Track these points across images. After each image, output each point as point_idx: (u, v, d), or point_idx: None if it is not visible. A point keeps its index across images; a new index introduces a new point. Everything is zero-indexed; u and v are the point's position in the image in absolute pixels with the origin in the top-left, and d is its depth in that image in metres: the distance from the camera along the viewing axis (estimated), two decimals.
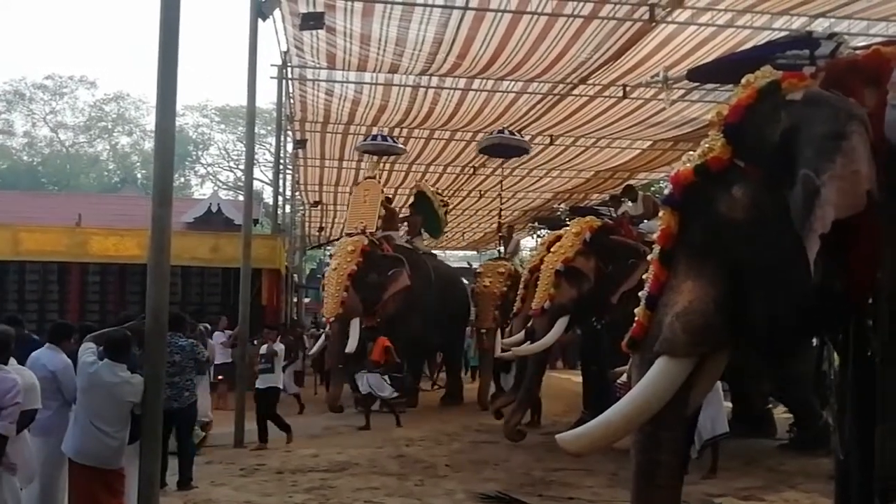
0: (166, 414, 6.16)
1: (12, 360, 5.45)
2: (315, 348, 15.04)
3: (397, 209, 17.77)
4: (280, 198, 21.20)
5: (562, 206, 23.47)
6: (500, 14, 11.14)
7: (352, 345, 12.83)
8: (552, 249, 11.13)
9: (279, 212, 21.39)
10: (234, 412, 11.03)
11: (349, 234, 14.30)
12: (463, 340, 17.55)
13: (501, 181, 18.96)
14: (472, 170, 20.23)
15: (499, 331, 14.65)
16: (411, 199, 17.86)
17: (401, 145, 16.41)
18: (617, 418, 4.50)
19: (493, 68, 13.04)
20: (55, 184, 41.63)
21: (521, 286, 12.13)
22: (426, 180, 18.80)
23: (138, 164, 46.52)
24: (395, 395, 12.83)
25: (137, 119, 47.05)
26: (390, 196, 18.03)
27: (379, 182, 16.75)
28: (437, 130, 17.27)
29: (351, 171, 20.69)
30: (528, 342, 10.98)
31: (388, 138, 15.87)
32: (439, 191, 18.25)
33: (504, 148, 15.39)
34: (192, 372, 8.39)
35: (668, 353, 4.41)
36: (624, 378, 5.96)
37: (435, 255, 17.67)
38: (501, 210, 19.72)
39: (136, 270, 16.39)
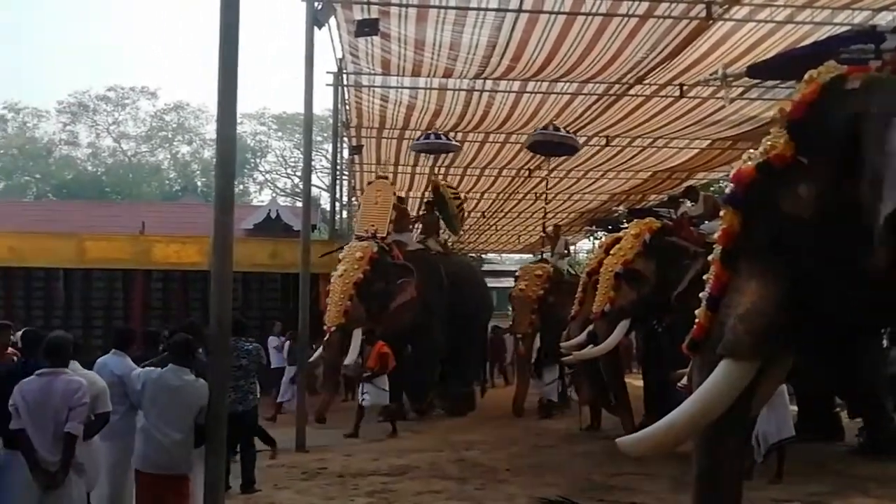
0: (231, 417, 6.25)
1: (76, 365, 5.59)
2: (314, 357, 12.38)
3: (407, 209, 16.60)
4: (337, 203, 21.38)
5: (619, 207, 23.25)
6: (554, 15, 11.08)
7: (352, 356, 11.95)
8: (611, 252, 11.07)
9: (336, 217, 21.57)
10: (296, 416, 11.14)
11: (359, 238, 13.71)
12: (478, 343, 16.29)
13: (546, 179, 18.53)
14: (527, 172, 20.14)
15: (537, 336, 14.27)
16: (428, 197, 17.03)
17: (455, 142, 16.22)
18: (679, 422, 4.44)
19: (548, 70, 12.98)
20: (118, 193, 42.55)
21: (579, 289, 12.04)
22: (442, 176, 18.44)
23: (198, 172, 47.31)
24: (391, 403, 12.51)
25: (197, 128, 47.87)
26: (402, 196, 17.28)
27: (392, 183, 16.32)
28: (491, 133, 17.26)
29: (406, 175, 20.79)
30: (591, 346, 10.93)
31: (442, 136, 15.68)
32: (451, 185, 17.90)
33: (552, 145, 15.02)
34: (257, 375, 8.51)
35: (730, 356, 4.33)
36: (685, 381, 5.86)
37: (449, 255, 16.38)
38: (546, 210, 19.27)
39: (198, 277, 16.74)
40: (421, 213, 16.95)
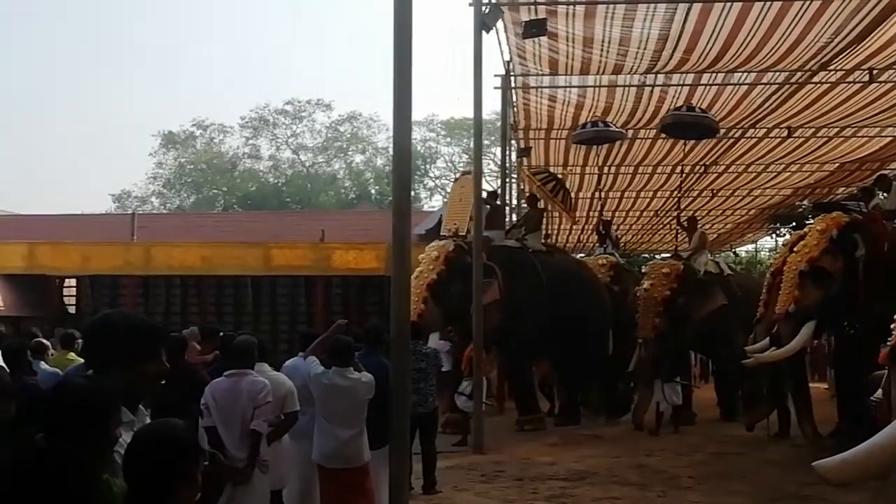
0: (412, 419, 6.37)
1: (266, 366, 5.85)
2: None
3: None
4: (506, 207, 21.41)
5: (804, 202, 22.05)
6: (728, 4, 10.65)
7: None
8: (795, 249, 10.48)
9: (506, 220, 21.62)
10: (473, 417, 11.21)
11: (443, 237, 13.18)
12: (590, 347, 13.71)
13: (682, 165, 17.48)
14: (702, 168, 19.46)
15: (662, 339, 12.74)
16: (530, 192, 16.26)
17: (618, 128, 15.22)
18: (879, 450, 4.07)
19: (723, 61, 12.49)
20: (298, 202, 44.51)
21: (763, 289, 11.44)
22: (612, 175, 17.61)
23: (371, 180, 48.79)
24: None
25: (369, 137, 49.42)
26: (495, 191, 16.31)
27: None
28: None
29: (575, 176, 20.56)
30: (773, 348, 10.38)
31: (600, 122, 14.86)
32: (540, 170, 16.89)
33: (685, 126, 13.89)
34: (435, 378, 8.62)
35: None
36: (879, 394, 5.39)
37: (552, 254, 14.77)
38: (680, 198, 17.97)
39: (374, 282, 17.22)
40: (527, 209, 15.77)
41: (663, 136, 16.76)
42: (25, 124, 62.80)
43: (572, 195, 16.37)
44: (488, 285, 11.96)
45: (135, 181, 49.29)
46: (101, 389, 2.48)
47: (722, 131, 16.35)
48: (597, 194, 20.23)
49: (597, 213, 19.93)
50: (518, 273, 12.86)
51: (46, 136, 63.84)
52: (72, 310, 20.50)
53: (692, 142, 17.00)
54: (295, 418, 5.86)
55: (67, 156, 64.09)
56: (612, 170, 19.60)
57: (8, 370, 5.92)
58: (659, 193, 22.36)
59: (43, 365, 7.33)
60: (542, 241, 15.28)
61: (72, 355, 8.11)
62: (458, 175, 16.28)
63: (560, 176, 16.87)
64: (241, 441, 5.35)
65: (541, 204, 15.71)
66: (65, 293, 20.89)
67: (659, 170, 19.87)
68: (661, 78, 13.80)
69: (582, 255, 22.61)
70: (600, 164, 18.83)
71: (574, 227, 25.23)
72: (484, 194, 13.17)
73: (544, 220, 15.90)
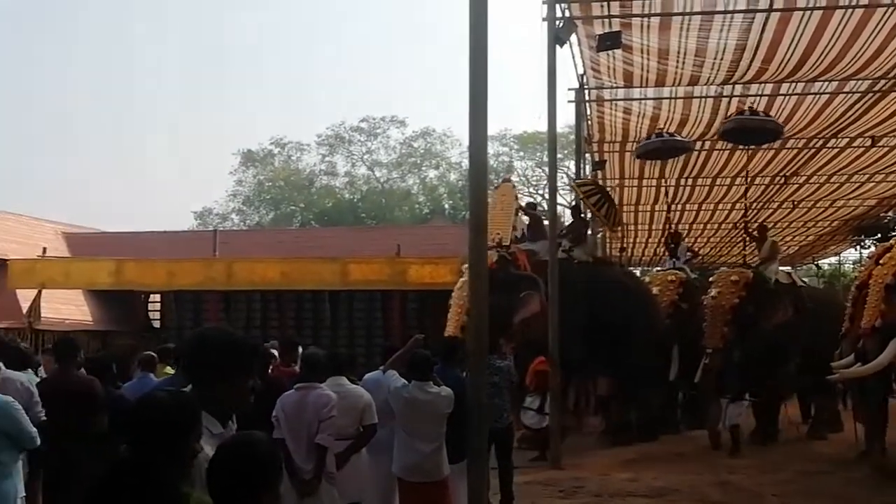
0: (488, 433, 6.40)
1: (344, 380, 5.95)
2: None
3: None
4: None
5: (889, 213, 21.36)
6: (808, 12, 10.44)
7: None
8: (881, 262, 10.17)
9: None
10: (551, 433, 11.15)
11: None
12: (633, 359, 12.92)
13: (748, 171, 16.99)
14: (782, 179, 19.03)
15: (730, 352, 12.25)
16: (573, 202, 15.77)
17: (683, 139, 14.73)
18: None
19: (804, 70, 12.22)
20: (373, 218, 44.98)
21: (848, 303, 11.11)
22: (689, 188, 17.07)
23: (445, 195, 49.03)
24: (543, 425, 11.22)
25: (443, 153, 49.67)
26: (534, 202, 15.99)
27: (514, 187, 15.08)
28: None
29: (651, 189, 20.33)
30: (859, 364, 10.08)
31: (665, 133, 14.42)
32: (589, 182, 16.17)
33: (747, 132, 13.28)
34: (509, 393, 8.57)
35: None
36: None
37: (598, 265, 14.37)
38: (748, 207, 17.47)
39: (450, 296, 17.28)
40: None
41: (742, 147, 16.46)
42: (112, 145, 65.04)
43: (617, 209, 15.59)
44: (531, 297, 11.72)
45: (216, 198, 50.52)
46: (182, 403, 2.57)
47: (802, 141, 16.02)
48: (672, 206, 19.94)
49: (666, 227, 19.55)
50: (563, 283, 12.15)
51: (132, 156, 65.99)
52: (156, 324, 21.16)
53: (772, 153, 16.71)
54: (373, 431, 5.94)
55: (152, 174, 66.10)
56: (689, 181, 19.32)
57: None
58: (738, 205, 21.91)
59: (152, 377, 7.60)
60: (590, 252, 14.84)
61: (168, 368, 8.39)
62: (497, 183, 15.99)
63: (608, 189, 16.47)
64: (307, 454, 5.45)
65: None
66: (150, 308, 21.57)
67: (738, 181, 19.49)
68: (738, 88, 13.57)
69: (656, 269, 22.25)
70: (676, 176, 18.60)
71: (650, 240, 24.98)
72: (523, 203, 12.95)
73: (618, 233, 15.52)
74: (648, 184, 20.00)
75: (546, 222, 14.19)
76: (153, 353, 8.38)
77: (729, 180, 19.38)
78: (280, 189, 48.33)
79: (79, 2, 65.27)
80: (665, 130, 14.76)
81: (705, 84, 13.29)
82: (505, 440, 8.41)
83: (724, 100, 14.12)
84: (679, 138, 14.59)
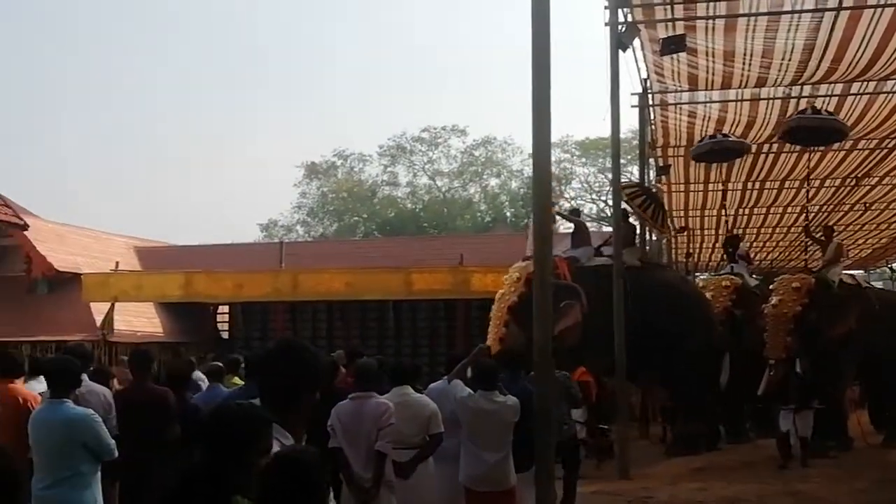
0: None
1: (409, 389, 5.96)
2: None
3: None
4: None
5: None
6: (880, 9, 10.17)
7: None
8: None
9: (645, 239, 21.23)
10: (618, 442, 11.04)
11: (527, 258, 12.43)
12: (690, 371, 12.46)
13: (808, 169, 16.40)
14: (853, 181, 18.54)
15: (796, 362, 11.73)
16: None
17: (738, 139, 14.23)
18: None
19: (875, 69, 11.89)
20: (435, 227, 45.11)
21: None
22: (756, 191, 16.65)
23: (506, 203, 48.93)
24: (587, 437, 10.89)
25: (504, 161, 49.58)
26: (577, 208, 15.73)
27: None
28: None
29: (717, 192, 19.98)
30: None
31: (718, 135, 13.98)
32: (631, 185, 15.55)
33: (811, 131, 12.46)
34: (567, 404, 8.27)
35: None
36: None
37: (649, 269, 13.63)
38: (808, 211, 17.10)
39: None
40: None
41: (811, 148, 16.07)
42: (180, 162, 66.61)
43: (665, 210, 14.93)
44: (570, 307, 11.25)
45: (280, 211, 51.28)
46: (254, 416, 2.62)
47: (874, 142, 15.58)
48: (738, 210, 19.57)
49: (725, 231, 19.15)
50: (603, 293, 11.60)
51: (199, 171, 67.48)
52: (225, 335, 21.52)
53: (842, 154, 16.29)
54: (439, 440, 5.94)
55: (219, 189, 67.50)
56: (757, 185, 18.93)
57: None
58: (809, 208, 21.41)
59: (221, 387, 7.74)
60: (640, 255, 14.31)
61: (236, 379, 8.54)
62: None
63: (654, 191, 15.99)
64: (366, 461, 5.47)
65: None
66: (218, 319, 21.96)
67: (805, 184, 19.05)
68: (807, 89, 13.27)
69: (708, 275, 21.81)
70: (743, 179, 18.26)
71: (717, 245, 24.51)
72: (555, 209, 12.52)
73: (682, 237, 15.15)
74: (715, 188, 19.66)
75: (589, 228, 14.01)
76: (221, 364, 8.53)
77: (797, 183, 18.96)
78: (343, 200, 48.81)
79: (158, 16, 67.01)
80: (719, 132, 14.37)
81: (773, 85, 13.04)
82: (568, 451, 8.20)
83: (793, 101, 13.82)
84: (733, 139, 14.16)
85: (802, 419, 11.45)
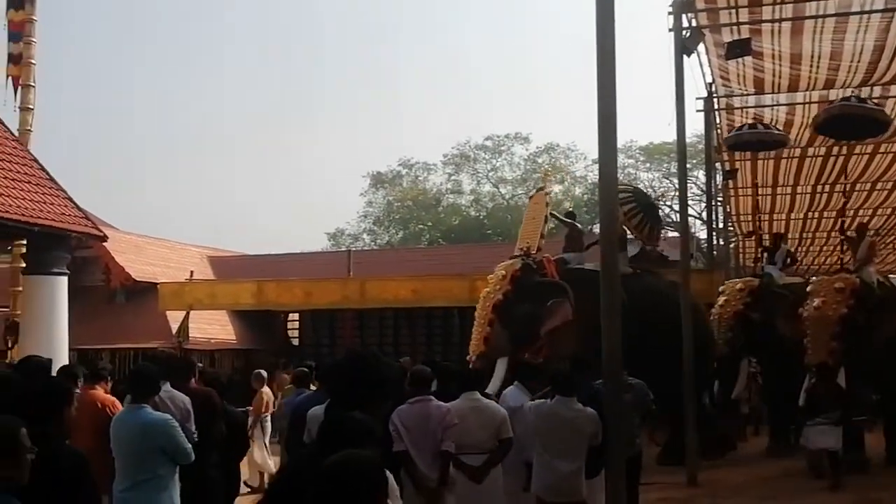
0: None
1: (476, 395, 6.04)
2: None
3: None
4: (713, 231, 20.80)
5: None
6: None
7: (493, 387, 9.60)
8: None
9: (713, 244, 21.01)
10: (686, 450, 10.95)
11: (513, 256, 12.30)
12: (679, 376, 10.99)
13: (845, 166, 16.03)
14: None
15: (841, 368, 10.92)
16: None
17: (776, 130, 13.75)
18: None
19: None
20: (499, 234, 45.08)
21: None
22: (819, 194, 16.46)
23: (570, 209, 48.68)
24: None
25: (567, 167, 49.38)
26: (572, 211, 15.11)
27: (547, 195, 14.11)
28: (883, 143, 15.78)
29: (786, 196, 19.69)
30: None
31: (759, 125, 13.50)
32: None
33: (853, 120, 11.47)
34: (639, 416, 7.69)
35: None
36: None
37: (639, 276, 12.75)
38: (845, 210, 16.65)
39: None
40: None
41: (882, 150, 15.77)
42: (253, 174, 67.95)
43: (655, 222, 13.97)
44: (559, 304, 10.92)
45: (347, 220, 51.88)
46: (371, 427, 2.77)
47: None
48: (808, 213, 19.23)
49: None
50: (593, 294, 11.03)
51: (270, 183, 68.67)
52: (295, 342, 21.95)
53: None
54: (510, 445, 5.95)
55: (288, 199, 68.63)
56: (821, 188, 18.57)
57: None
58: (879, 211, 20.92)
59: (306, 392, 7.91)
60: (639, 260, 13.77)
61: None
62: (532, 192, 15.51)
63: (654, 199, 15.64)
64: (432, 462, 5.53)
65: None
66: (289, 327, 22.40)
67: (879, 186, 18.64)
68: (877, 90, 13.04)
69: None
70: (812, 182, 17.98)
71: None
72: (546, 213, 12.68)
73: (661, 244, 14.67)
74: (783, 191, 19.38)
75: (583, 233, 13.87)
76: (305, 370, 8.70)
77: (870, 185, 18.57)
78: (408, 209, 49.17)
79: (226, 27, 68.55)
80: (758, 121, 13.89)
81: (841, 87, 12.85)
82: (632, 469, 7.17)
83: None
84: (772, 130, 13.70)
85: (835, 432, 10.51)
